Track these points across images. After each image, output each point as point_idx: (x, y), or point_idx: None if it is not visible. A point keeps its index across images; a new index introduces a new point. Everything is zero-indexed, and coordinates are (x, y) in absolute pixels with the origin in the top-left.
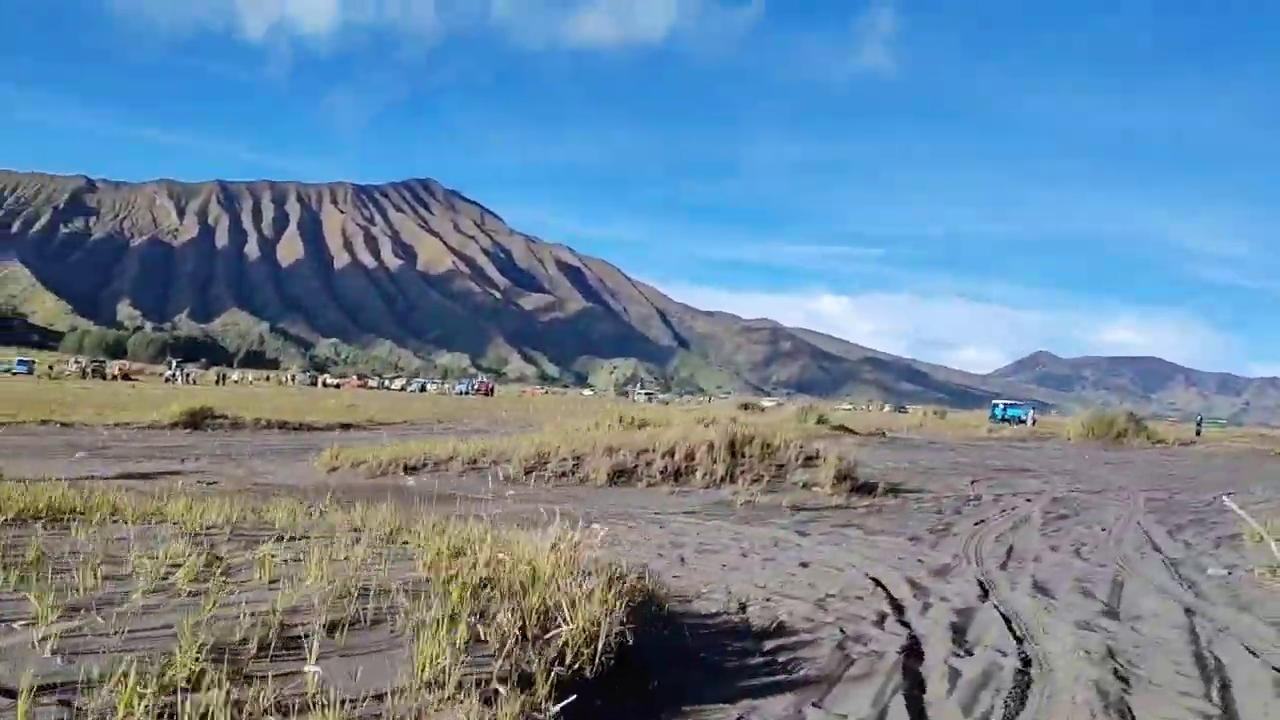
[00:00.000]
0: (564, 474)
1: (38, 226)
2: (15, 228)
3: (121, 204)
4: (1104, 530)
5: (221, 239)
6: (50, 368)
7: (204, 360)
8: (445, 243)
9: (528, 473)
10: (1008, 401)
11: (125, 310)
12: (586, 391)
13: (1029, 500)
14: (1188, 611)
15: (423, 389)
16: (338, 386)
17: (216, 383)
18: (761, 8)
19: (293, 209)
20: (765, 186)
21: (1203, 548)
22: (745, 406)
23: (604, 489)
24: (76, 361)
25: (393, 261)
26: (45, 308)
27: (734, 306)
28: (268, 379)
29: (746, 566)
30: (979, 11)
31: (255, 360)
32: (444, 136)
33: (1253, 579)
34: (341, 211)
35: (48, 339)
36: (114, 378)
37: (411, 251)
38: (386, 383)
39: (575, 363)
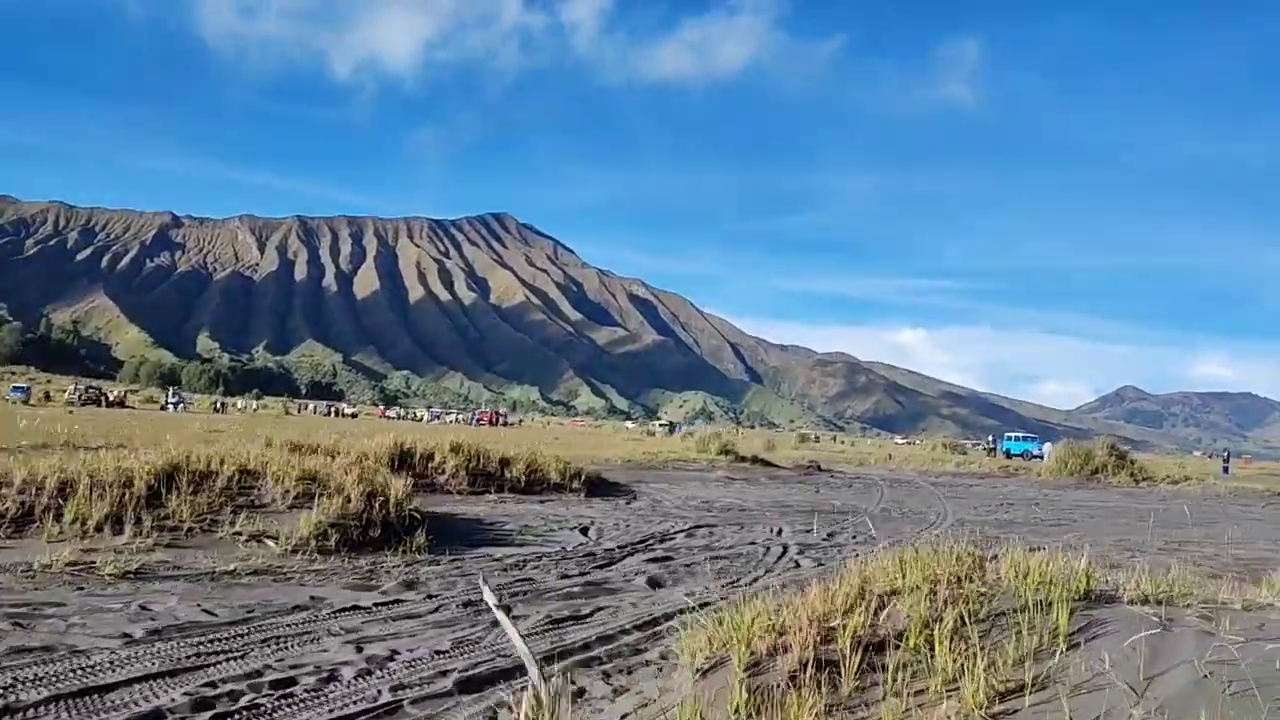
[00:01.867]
0: None
1: (125, 261)
2: (104, 262)
3: (205, 239)
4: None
5: (300, 272)
6: (46, 395)
7: (256, 390)
8: (518, 276)
9: None
10: (1021, 435)
11: (204, 342)
12: (629, 424)
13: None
14: None
15: (437, 418)
16: (354, 416)
17: (214, 410)
18: (841, 41)
19: (370, 243)
20: (843, 219)
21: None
22: (704, 436)
23: None
24: (75, 388)
25: (466, 294)
26: (128, 339)
27: (808, 340)
28: (296, 406)
29: None
30: (1064, 44)
31: (323, 392)
32: (521, 171)
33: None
34: (417, 245)
35: (113, 369)
36: (108, 405)
37: (485, 284)
38: (411, 413)
39: (646, 396)
